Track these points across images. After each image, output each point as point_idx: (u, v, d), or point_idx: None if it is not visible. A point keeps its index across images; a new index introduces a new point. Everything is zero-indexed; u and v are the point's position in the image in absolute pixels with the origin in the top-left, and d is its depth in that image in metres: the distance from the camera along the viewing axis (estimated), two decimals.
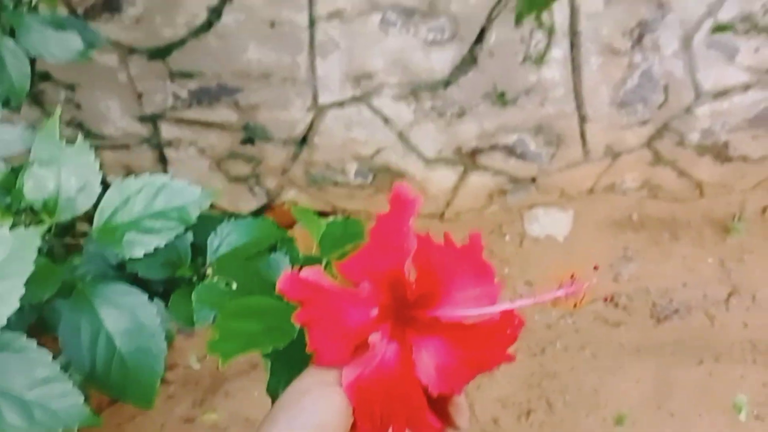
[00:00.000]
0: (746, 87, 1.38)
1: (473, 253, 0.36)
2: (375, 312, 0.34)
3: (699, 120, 1.45)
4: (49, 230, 0.59)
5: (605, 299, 1.58)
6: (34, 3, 0.60)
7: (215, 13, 1.12)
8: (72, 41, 0.68)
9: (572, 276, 0.40)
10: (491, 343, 0.35)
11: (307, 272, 0.33)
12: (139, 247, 0.56)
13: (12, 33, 0.69)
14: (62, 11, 1.12)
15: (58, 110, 0.63)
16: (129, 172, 1.44)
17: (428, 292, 0.35)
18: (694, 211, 1.68)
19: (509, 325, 0.35)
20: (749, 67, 1.32)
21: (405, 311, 0.35)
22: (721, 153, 1.56)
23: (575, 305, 0.40)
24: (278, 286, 0.33)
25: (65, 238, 0.62)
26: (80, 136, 0.62)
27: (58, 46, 0.67)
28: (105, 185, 0.61)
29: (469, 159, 1.50)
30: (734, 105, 1.42)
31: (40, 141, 0.62)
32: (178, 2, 1.10)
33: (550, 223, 1.67)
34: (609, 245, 1.66)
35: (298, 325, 0.43)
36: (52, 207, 0.58)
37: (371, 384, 0.34)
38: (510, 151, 1.48)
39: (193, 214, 0.58)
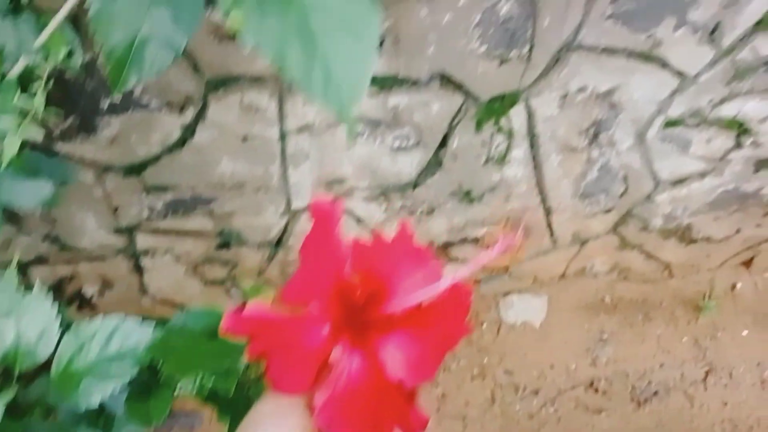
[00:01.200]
0: (702, 174, 1.44)
1: (405, 240, 0.36)
2: (328, 329, 0.34)
3: (660, 206, 1.50)
4: (12, 381, 0.60)
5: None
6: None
7: (189, 131, 1.16)
8: (42, 189, 0.71)
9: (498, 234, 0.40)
10: (448, 319, 0.35)
11: (250, 308, 0.32)
12: (96, 393, 0.58)
13: None
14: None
15: (16, 257, 0.65)
16: (105, 282, 1.46)
17: (375, 291, 0.36)
18: (665, 292, 1.72)
19: (459, 297, 0.36)
20: (703, 157, 1.39)
21: (359, 318, 0.35)
22: (684, 235, 1.61)
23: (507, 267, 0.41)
24: (222, 326, 0.32)
25: (28, 387, 0.63)
26: (38, 283, 0.63)
27: (29, 195, 0.70)
28: (67, 325, 0.63)
29: (441, 252, 1.54)
30: (693, 191, 1.48)
31: None
32: (152, 122, 1.14)
33: (526, 309, 1.70)
34: (585, 329, 1.68)
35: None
36: (12, 359, 0.59)
37: (345, 402, 0.33)
38: (480, 243, 1.52)
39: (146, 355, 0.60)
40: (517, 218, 1.45)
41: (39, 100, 0.59)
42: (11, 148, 0.56)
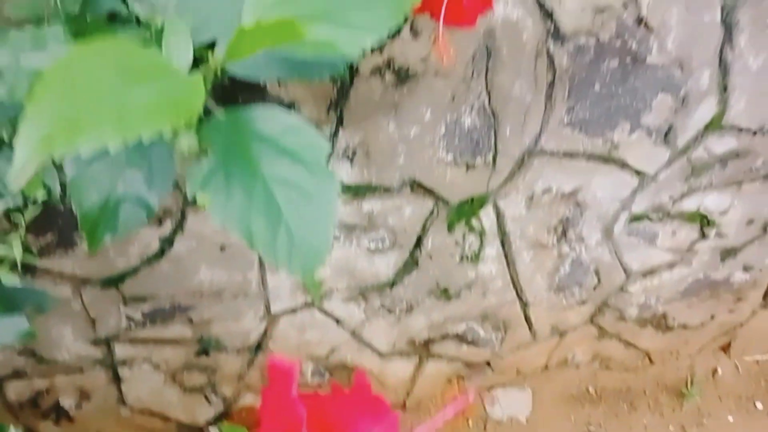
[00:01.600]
0: (671, 265, 1.48)
1: (363, 392, 0.37)
2: None
3: (634, 296, 1.53)
4: None
5: None
6: None
7: (167, 242, 1.18)
8: (17, 324, 0.71)
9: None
10: None
11: None
12: None
13: None
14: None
15: None
16: (83, 394, 1.43)
17: None
18: (647, 379, 1.72)
19: None
20: (670, 248, 1.43)
21: None
22: (660, 323, 1.63)
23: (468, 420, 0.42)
24: None
25: None
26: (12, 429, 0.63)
27: (5, 333, 0.71)
28: None
29: (422, 349, 1.54)
30: (664, 281, 1.51)
31: None
32: (131, 235, 1.17)
33: (511, 403, 1.68)
34: (571, 421, 1.66)
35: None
36: None
37: None
38: (461, 338, 1.53)
39: None
40: (494, 314, 1.47)
41: (17, 249, 0.61)
42: None
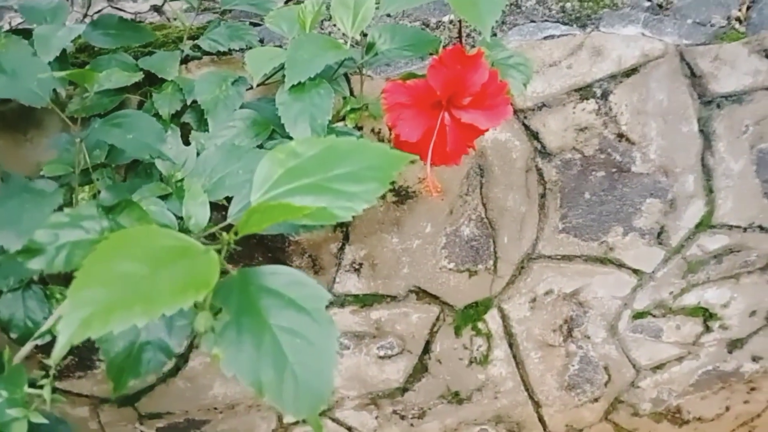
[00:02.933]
0: (680, 358, 1.49)
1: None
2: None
3: (646, 391, 1.53)
4: None
5: None
6: None
7: (182, 359, 1.22)
8: None
9: None
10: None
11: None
12: None
13: None
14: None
15: None
16: None
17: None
18: None
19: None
20: (676, 342, 1.45)
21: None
22: (675, 417, 1.61)
23: None
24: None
25: None
26: None
27: None
28: None
29: None
30: (674, 375, 1.51)
31: None
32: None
33: None
34: None
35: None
36: None
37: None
38: None
39: None
40: (507, 416, 1.47)
41: (47, 393, 0.65)
42: None
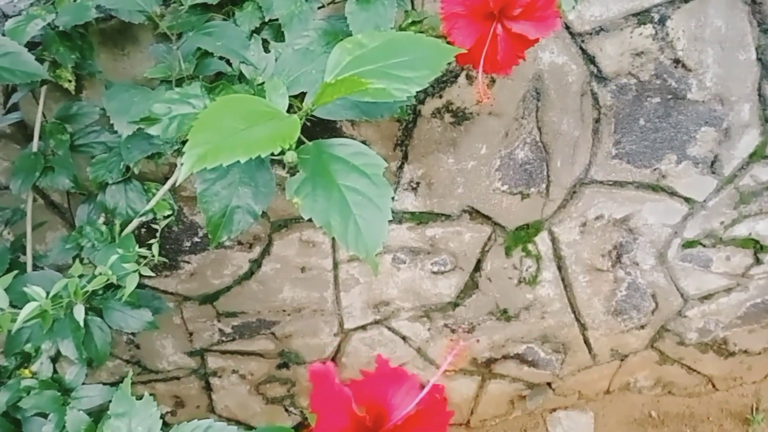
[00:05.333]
0: (728, 290, 1.52)
1: (385, 368, 0.50)
2: None
3: (692, 321, 1.58)
4: None
5: None
6: (120, 292, 0.82)
7: (256, 264, 1.35)
8: (144, 316, 0.89)
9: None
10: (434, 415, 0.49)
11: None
12: None
13: (98, 312, 0.91)
14: None
15: (130, 373, 0.82)
16: (178, 402, 1.61)
17: (378, 411, 0.49)
18: (711, 405, 1.74)
19: (437, 399, 0.49)
20: (725, 273, 1.48)
21: None
22: (721, 349, 1.66)
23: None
24: None
25: None
26: (146, 394, 0.80)
27: (134, 321, 0.89)
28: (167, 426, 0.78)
29: (485, 368, 1.63)
30: (722, 306, 1.55)
31: (117, 398, 0.80)
32: (225, 258, 1.35)
33: (573, 425, 1.74)
34: None
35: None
36: None
37: None
38: (522, 359, 1.61)
39: None
40: (553, 336, 1.55)
41: (155, 250, 0.78)
42: (131, 285, 0.75)
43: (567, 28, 1.10)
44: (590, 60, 1.13)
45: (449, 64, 0.58)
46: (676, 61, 1.13)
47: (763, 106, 1.20)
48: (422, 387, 0.51)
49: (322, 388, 0.48)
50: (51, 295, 0.71)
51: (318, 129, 1.07)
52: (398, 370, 0.51)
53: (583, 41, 1.11)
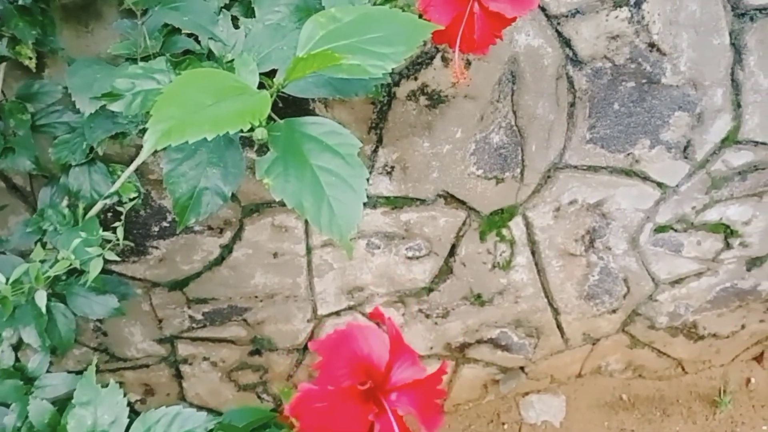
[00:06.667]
0: (698, 274, 1.54)
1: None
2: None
3: (663, 305, 1.60)
4: None
5: None
6: (84, 278, 0.79)
7: (227, 249, 1.33)
8: (110, 302, 0.86)
9: None
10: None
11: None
12: None
13: (62, 298, 0.88)
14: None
15: (94, 361, 0.80)
16: (147, 390, 1.58)
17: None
18: (680, 388, 1.77)
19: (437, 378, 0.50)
20: (696, 258, 1.50)
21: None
22: (691, 332, 1.68)
23: None
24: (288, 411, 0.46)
25: None
26: (112, 381, 0.77)
27: (99, 307, 0.86)
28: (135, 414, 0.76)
29: (459, 353, 1.63)
30: (692, 290, 1.57)
31: (81, 386, 0.77)
32: (195, 243, 1.31)
33: (545, 408, 1.75)
34: (605, 427, 1.72)
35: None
36: None
37: None
38: (495, 343, 1.62)
39: None
40: (526, 321, 1.56)
41: (120, 234, 0.75)
42: (95, 270, 0.73)
43: (543, 10, 1.08)
44: (566, 43, 1.12)
45: (424, 44, 0.57)
46: (651, 45, 1.13)
47: (735, 91, 1.21)
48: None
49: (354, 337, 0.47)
50: (11, 280, 0.68)
51: (290, 110, 1.04)
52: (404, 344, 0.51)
53: (559, 24, 1.10)
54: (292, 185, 0.47)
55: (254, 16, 0.80)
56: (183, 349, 1.51)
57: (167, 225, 1.26)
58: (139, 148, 1.07)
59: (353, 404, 0.48)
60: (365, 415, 0.48)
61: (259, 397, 1.64)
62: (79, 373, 0.91)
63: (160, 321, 1.44)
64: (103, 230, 0.83)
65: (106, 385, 0.72)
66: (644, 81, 1.18)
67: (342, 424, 0.48)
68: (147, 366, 1.54)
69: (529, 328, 1.59)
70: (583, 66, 1.15)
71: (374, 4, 0.73)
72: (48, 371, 0.87)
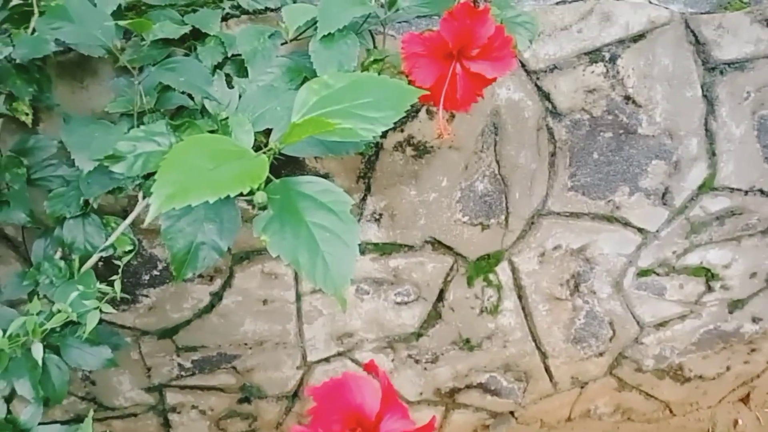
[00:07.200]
0: (682, 317, 1.57)
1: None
2: None
3: (649, 348, 1.62)
4: None
5: None
6: (80, 329, 0.80)
7: (217, 297, 1.34)
8: (103, 353, 0.87)
9: None
10: None
11: None
12: None
13: (56, 350, 0.88)
14: None
15: (91, 413, 0.80)
16: None
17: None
18: (669, 430, 1.78)
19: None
20: (679, 301, 1.53)
21: None
22: (677, 375, 1.70)
23: None
24: None
25: None
26: None
27: (93, 359, 0.87)
28: None
29: (448, 398, 1.64)
30: (676, 333, 1.60)
31: None
32: (185, 291, 1.33)
33: None
34: None
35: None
36: None
37: None
38: (485, 388, 1.62)
39: None
40: (515, 365, 1.57)
41: (117, 287, 0.77)
42: (92, 322, 0.74)
43: (522, 65, 1.13)
44: (545, 96, 1.17)
45: None
46: (627, 98, 1.18)
47: (709, 140, 1.26)
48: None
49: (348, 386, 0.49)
50: (8, 333, 0.69)
51: (280, 162, 1.07)
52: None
53: (538, 78, 1.15)
54: (289, 242, 0.50)
55: (246, 74, 0.84)
56: (171, 397, 1.50)
57: (158, 273, 1.27)
58: (132, 199, 1.09)
59: None
60: None
61: None
62: (69, 423, 0.91)
63: (149, 369, 1.44)
64: (97, 282, 0.85)
65: None
66: (621, 131, 1.22)
67: None
68: (135, 415, 1.52)
69: (518, 372, 1.60)
70: (562, 118, 1.19)
71: (362, 66, 0.77)
72: (39, 423, 0.87)
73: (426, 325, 1.46)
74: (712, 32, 1.14)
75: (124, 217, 0.91)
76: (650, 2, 1.12)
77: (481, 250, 1.36)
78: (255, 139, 0.60)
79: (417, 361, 1.53)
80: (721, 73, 1.18)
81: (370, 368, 0.53)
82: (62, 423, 0.87)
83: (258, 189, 0.49)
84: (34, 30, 0.87)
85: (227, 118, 0.73)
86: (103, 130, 0.77)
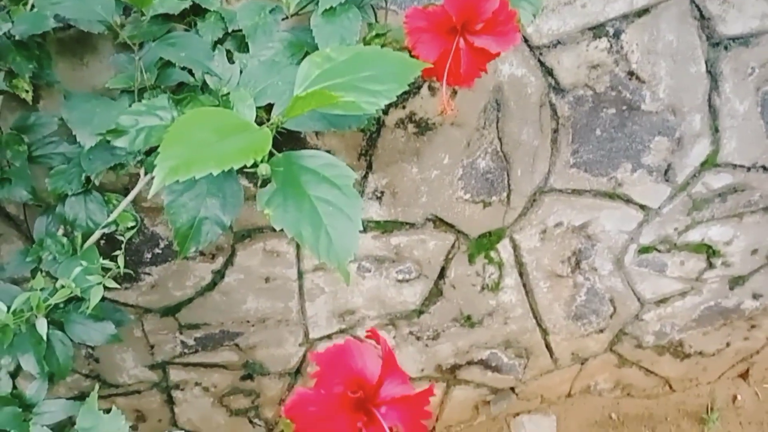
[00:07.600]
0: (683, 293, 1.58)
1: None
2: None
3: (649, 324, 1.63)
4: None
5: None
6: (83, 305, 0.80)
7: (219, 275, 1.34)
8: (107, 328, 0.88)
9: None
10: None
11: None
12: None
13: (60, 325, 0.89)
14: None
15: (96, 387, 0.81)
16: (139, 416, 1.58)
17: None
18: (668, 406, 1.79)
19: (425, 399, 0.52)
20: (680, 277, 1.53)
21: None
22: (677, 351, 1.71)
23: None
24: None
25: None
26: (114, 408, 0.78)
27: (97, 334, 0.87)
28: None
29: (449, 375, 1.65)
30: (677, 309, 1.61)
31: (83, 413, 0.78)
32: (187, 269, 1.33)
33: (536, 428, 1.77)
34: None
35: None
36: None
37: None
38: (486, 364, 1.64)
39: None
40: (516, 341, 1.58)
41: (120, 262, 0.77)
42: (95, 298, 0.74)
43: (526, 41, 1.12)
44: (548, 72, 1.16)
45: None
46: (631, 74, 1.17)
47: (713, 116, 1.25)
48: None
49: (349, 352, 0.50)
50: (13, 309, 0.69)
51: (282, 138, 1.07)
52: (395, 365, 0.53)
53: (541, 54, 1.14)
54: (292, 215, 0.50)
55: (247, 50, 0.83)
56: (175, 374, 1.51)
57: (159, 252, 1.27)
58: (134, 176, 1.09)
59: (344, 412, 0.51)
60: (354, 423, 0.51)
61: (251, 422, 1.64)
62: (73, 399, 0.92)
63: (152, 347, 1.45)
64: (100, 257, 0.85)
65: (108, 411, 0.73)
66: (624, 108, 1.22)
67: (333, 429, 0.50)
68: (139, 392, 1.54)
69: (518, 349, 1.61)
70: (565, 94, 1.19)
71: (364, 41, 0.76)
72: (45, 398, 0.88)
73: (427, 302, 1.47)
74: (717, 7, 1.13)
75: (126, 195, 0.91)
76: None
77: (483, 227, 1.36)
78: (257, 115, 0.59)
79: (418, 338, 1.54)
80: (726, 48, 1.17)
81: (372, 336, 0.53)
82: (68, 399, 0.88)
83: (261, 161, 0.49)
84: (33, 6, 0.86)
85: (228, 93, 0.72)
86: (105, 105, 0.77)
